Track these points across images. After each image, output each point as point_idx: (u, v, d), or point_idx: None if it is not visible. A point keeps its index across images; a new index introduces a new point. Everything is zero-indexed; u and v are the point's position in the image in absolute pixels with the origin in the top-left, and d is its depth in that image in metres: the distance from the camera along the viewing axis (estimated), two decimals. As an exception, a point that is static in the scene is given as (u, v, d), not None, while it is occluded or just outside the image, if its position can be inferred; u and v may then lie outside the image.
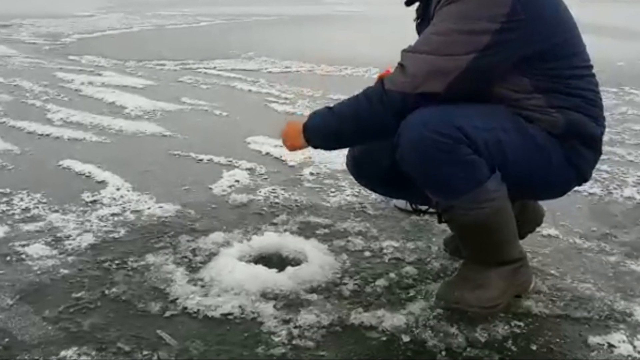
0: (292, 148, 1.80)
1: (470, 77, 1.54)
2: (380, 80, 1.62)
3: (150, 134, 3.55)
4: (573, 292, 1.86)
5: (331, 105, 1.74)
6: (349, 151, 1.98)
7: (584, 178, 1.75)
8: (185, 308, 1.69)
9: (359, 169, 1.97)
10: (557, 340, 1.62)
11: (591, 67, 1.70)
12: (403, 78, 1.57)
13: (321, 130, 1.70)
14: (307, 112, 4.07)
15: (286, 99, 4.67)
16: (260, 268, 1.85)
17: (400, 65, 1.59)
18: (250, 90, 4.99)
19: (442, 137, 1.52)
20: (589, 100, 1.66)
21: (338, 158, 3.07)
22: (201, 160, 3.07)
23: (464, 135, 1.54)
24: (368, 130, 1.63)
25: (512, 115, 1.62)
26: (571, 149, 1.65)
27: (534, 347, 1.58)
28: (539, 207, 2.01)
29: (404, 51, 1.62)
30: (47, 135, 3.44)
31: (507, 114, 1.62)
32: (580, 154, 1.67)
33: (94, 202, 2.45)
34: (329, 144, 1.75)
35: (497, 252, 1.71)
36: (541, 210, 2.01)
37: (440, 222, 1.78)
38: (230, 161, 3.04)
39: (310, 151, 1.93)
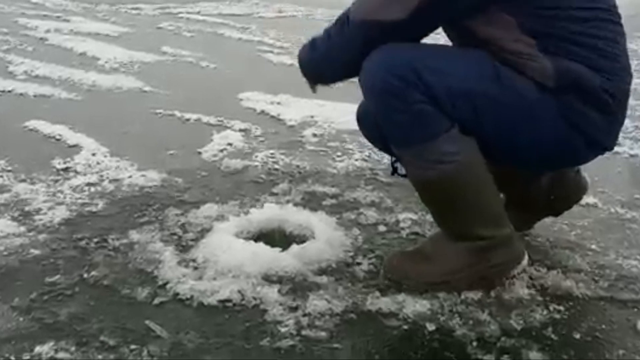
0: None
1: (435, 6, 1.51)
2: (348, 9, 1.62)
3: (128, 90, 3.45)
4: (618, 270, 1.82)
5: None
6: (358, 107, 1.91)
7: (598, 144, 1.64)
8: (177, 294, 1.63)
9: (360, 124, 1.90)
10: (603, 326, 1.57)
11: (608, 10, 1.59)
12: (364, 4, 1.58)
13: (306, 66, 1.75)
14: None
15: (282, 48, 4.57)
16: (260, 246, 1.79)
17: None
18: (240, 39, 4.87)
19: (393, 78, 1.52)
20: (596, 50, 1.55)
21: (343, 117, 3.00)
22: (188, 120, 2.99)
23: (420, 79, 1.51)
24: (340, 62, 1.66)
25: (493, 62, 1.56)
26: (568, 106, 1.55)
27: (577, 335, 1.53)
28: (581, 180, 1.94)
29: None
30: (9, 91, 3.34)
31: (487, 60, 1.56)
32: (579, 112, 1.56)
33: (66, 169, 2.38)
34: (318, 79, 1.77)
35: (456, 224, 1.65)
36: (583, 184, 1.94)
37: (392, 173, 1.74)
38: (221, 121, 2.96)
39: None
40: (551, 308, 1.62)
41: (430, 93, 1.53)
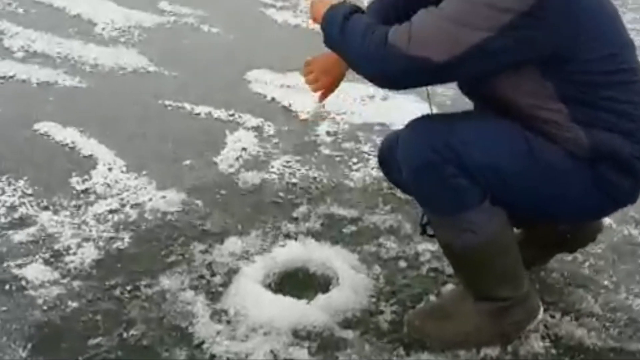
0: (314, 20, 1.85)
1: (479, 56, 1.59)
2: (386, 31, 1.65)
3: (133, 71, 3.54)
4: (628, 312, 2.03)
5: None
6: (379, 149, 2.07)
7: (624, 204, 1.82)
8: (214, 356, 1.84)
9: (385, 169, 2.06)
10: (611, 387, 1.80)
11: (631, 70, 1.70)
12: (407, 34, 1.61)
13: (329, 28, 1.76)
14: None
15: (285, 0, 4.59)
16: (289, 300, 1.99)
17: (411, 22, 1.64)
18: (239, -15, 4.87)
19: (430, 153, 1.66)
20: (625, 115, 1.68)
21: (354, 107, 3.14)
22: (198, 114, 3.11)
23: (455, 154, 1.65)
24: (358, 61, 1.72)
25: (525, 134, 1.68)
26: (602, 176, 1.69)
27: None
28: (598, 221, 2.11)
29: (424, 10, 1.65)
30: (11, 77, 3.42)
31: (518, 132, 1.69)
32: (612, 182, 1.70)
33: (86, 191, 2.53)
34: (331, 44, 1.80)
35: (478, 286, 1.84)
36: (599, 225, 2.11)
37: (421, 234, 1.91)
38: (233, 115, 3.08)
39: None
40: (564, 364, 1.84)
41: (464, 168, 1.66)
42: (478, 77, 1.71)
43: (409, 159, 1.73)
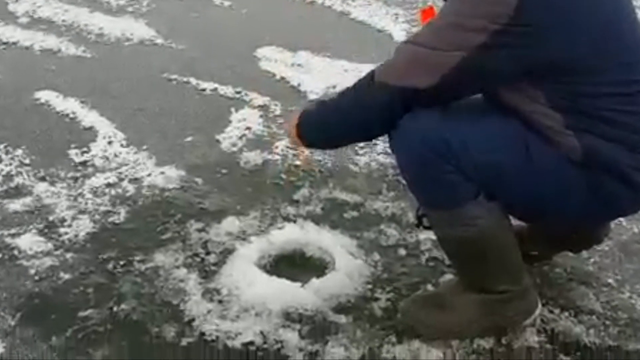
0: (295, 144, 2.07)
1: (461, 77, 1.69)
2: (372, 70, 1.81)
3: (139, 42, 3.63)
4: (630, 311, 2.09)
5: None
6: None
7: (624, 213, 1.92)
8: (203, 334, 1.93)
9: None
10: (602, 385, 1.87)
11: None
12: (391, 68, 1.77)
13: (311, 124, 1.93)
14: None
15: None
16: (283, 282, 2.07)
17: (394, 55, 1.79)
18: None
19: (424, 147, 1.73)
20: (626, 126, 1.72)
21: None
22: (203, 90, 3.19)
23: (451, 151, 1.71)
24: (353, 124, 1.85)
25: (525, 135, 1.74)
26: (597, 183, 1.74)
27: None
28: (605, 224, 2.17)
29: (402, 41, 1.83)
30: (14, 43, 3.53)
31: (517, 131, 1.75)
32: (608, 190, 1.74)
33: (84, 163, 2.63)
34: (319, 140, 1.99)
35: (474, 278, 1.92)
36: (605, 228, 2.17)
37: (417, 226, 1.98)
38: (239, 93, 3.16)
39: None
40: (559, 360, 1.92)
41: (459, 165, 1.73)
42: (475, 93, 1.82)
43: (403, 151, 1.81)
